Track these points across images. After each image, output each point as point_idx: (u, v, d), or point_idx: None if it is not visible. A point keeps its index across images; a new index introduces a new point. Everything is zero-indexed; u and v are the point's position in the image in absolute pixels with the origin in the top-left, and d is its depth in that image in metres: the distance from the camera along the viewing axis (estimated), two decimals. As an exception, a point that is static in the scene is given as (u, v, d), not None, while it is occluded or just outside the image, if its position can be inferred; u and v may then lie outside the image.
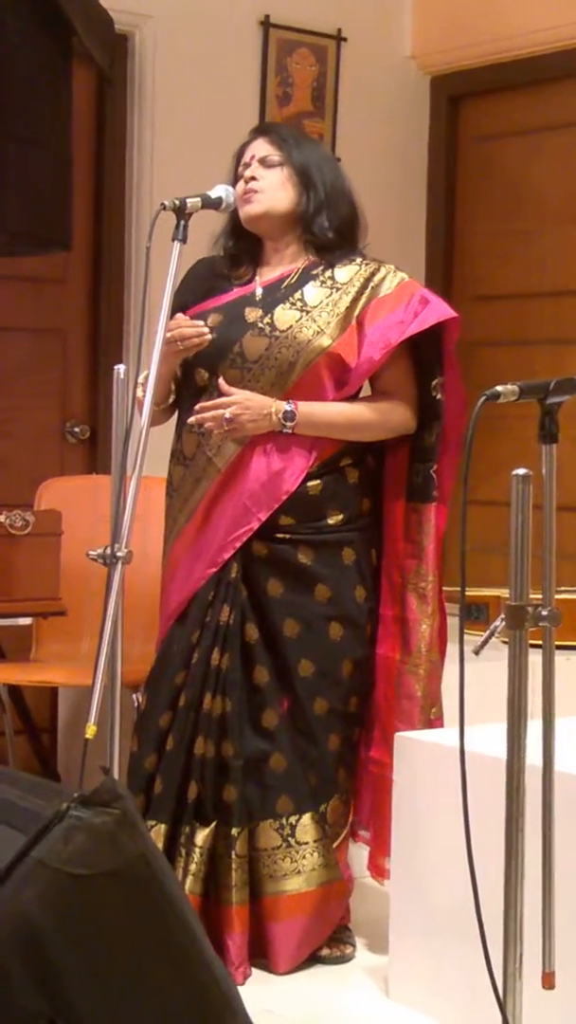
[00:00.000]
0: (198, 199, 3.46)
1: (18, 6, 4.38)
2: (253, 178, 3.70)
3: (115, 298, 5.30)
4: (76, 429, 5.28)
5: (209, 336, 3.62)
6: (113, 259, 5.30)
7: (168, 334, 3.47)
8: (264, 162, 3.72)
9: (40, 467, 5.03)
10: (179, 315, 3.63)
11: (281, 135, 3.78)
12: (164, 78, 5.30)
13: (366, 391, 3.78)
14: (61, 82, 4.57)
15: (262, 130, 3.87)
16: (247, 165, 3.74)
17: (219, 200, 3.57)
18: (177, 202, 3.38)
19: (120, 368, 3.35)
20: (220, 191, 3.58)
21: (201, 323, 3.61)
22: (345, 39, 5.66)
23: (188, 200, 3.40)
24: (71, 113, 4.62)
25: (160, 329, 3.30)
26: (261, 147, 3.75)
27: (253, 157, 3.74)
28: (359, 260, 3.74)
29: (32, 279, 5.15)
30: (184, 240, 3.35)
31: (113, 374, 3.35)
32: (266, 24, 5.48)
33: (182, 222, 3.36)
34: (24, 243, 4.63)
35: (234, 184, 3.73)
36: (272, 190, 3.70)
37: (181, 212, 3.37)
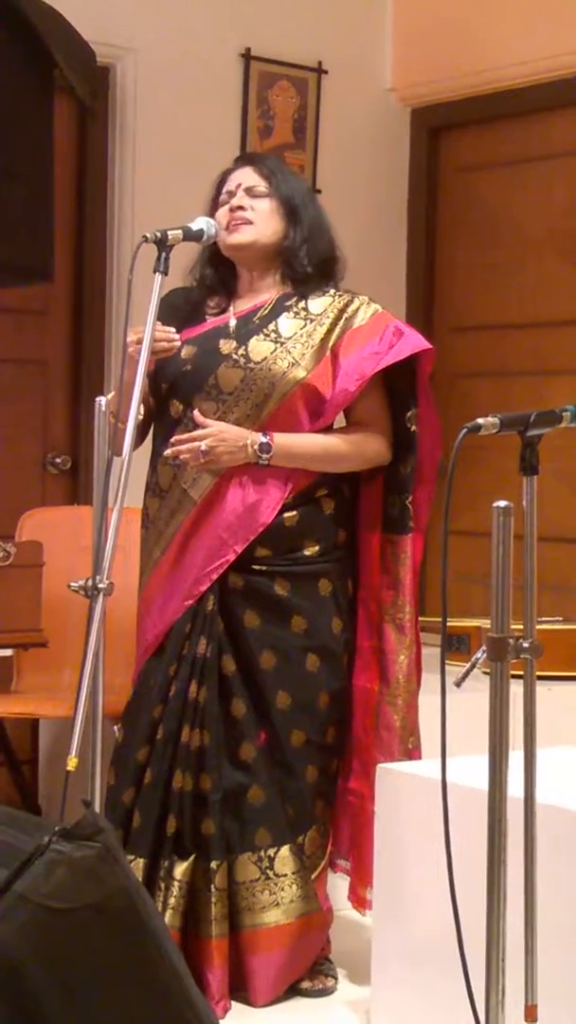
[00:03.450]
0: (179, 231, 3.46)
1: (-1, 39, 4.40)
2: (241, 207, 3.69)
3: (96, 330, 5.30)
4: (57, 460, 5.28)
5: (179, 343, 3.60)
6: (95, 291, 5.30)
7: (133, 337, 3.45)
8: (251, 192, 3.71)
9: (21, 498, 5.02)
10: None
11: (268, 166, 3.76)
12: (146, 110, 5.31)
13: (340, 422, 3.78)
14: (43, 114, 4.58)
15: (248, 159, 3.86)
16: (231, 193, 3.72)
17: (200, 232, 3.57)
18: (158, 234, 3.38)
19: (101, 400, 3.35)
20: (201, 223, 3.59)
21: (172, 329, 3.57)
22: (326, 72, 5.69)
23: (169, 232, 3.41)
24: (53, 145, 4.64)
25: (142, 358, 3.29)
26: (248, 176, 3.73)
27: (239, 185, 3.72)
28: (332, 292, 3.75)
29: (13, 310, 5.16)
30: (166, 272, 3.35)
31: (94, 405, 3.35)
32: (247, 57, 5.50)
33: (163, 254, 3.36)
34: (6, 275, 4.63)
35: (213, 210, 3.72)
36: (262, 221, 3.69)
37: (162, 244, 3.38)
